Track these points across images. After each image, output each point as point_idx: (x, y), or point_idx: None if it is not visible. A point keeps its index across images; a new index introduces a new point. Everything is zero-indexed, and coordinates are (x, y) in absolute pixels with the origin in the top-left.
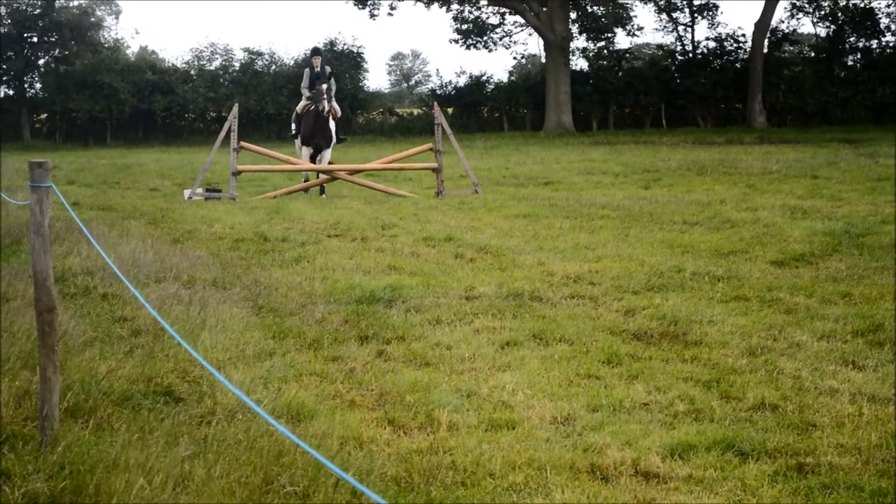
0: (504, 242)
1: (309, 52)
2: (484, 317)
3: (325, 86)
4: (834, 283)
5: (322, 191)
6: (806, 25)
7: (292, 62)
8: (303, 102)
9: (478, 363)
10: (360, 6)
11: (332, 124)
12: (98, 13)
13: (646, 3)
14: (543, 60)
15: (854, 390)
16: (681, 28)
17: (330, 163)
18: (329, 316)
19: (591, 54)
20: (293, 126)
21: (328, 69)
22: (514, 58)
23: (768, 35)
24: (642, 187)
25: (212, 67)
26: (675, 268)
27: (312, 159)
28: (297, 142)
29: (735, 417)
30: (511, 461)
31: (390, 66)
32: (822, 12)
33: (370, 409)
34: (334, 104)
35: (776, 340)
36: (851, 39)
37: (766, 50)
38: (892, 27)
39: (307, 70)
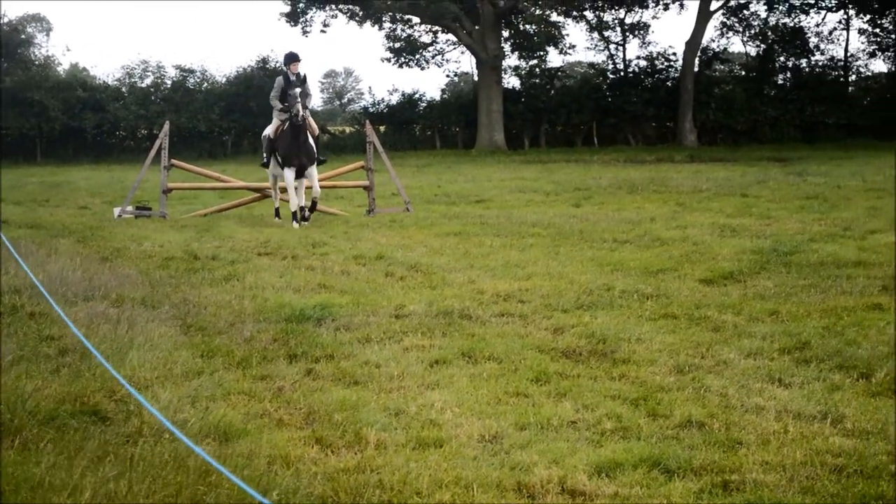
0: (434, 260)
1: (282, 59)
2: (413, 335)
3: (297, 90)
4: (762, 300)
5: (306, 214)
6: (736, 44)
7: (224, 80)
8: (275, 123)
9: (406, 381)
10: (293, 24)
11: (311, 141)
12: (28, 30)
13: (577, 22)
14: (476, 78)
15: (780, 408)
16: (612, 47)
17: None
18: (258, 334)
19: (523, 72)
20: (264, 154)
21: (304, 75)
22: (447, 76)
23: (699, 54)
24: (573, 205)
25: (143, 85)
26: (605, 286)
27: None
28: (270, 170)
29: (662, 435)
30: (438, 480)
31: (323, 83)
32: (752, 31)
33: (298, 427)
34: (311, 121)
35: (703, 358)
36: (781, 58)
37: (696, 69)
38: (822, 46)
39: (279, 78)
